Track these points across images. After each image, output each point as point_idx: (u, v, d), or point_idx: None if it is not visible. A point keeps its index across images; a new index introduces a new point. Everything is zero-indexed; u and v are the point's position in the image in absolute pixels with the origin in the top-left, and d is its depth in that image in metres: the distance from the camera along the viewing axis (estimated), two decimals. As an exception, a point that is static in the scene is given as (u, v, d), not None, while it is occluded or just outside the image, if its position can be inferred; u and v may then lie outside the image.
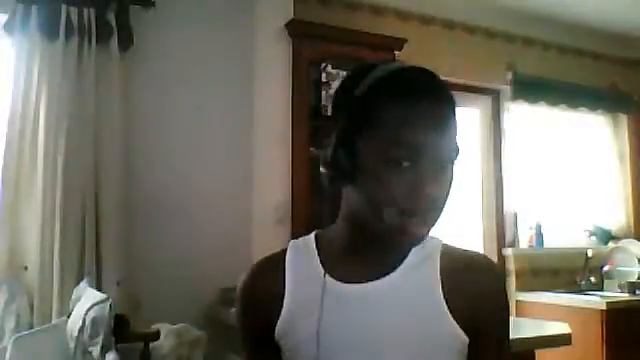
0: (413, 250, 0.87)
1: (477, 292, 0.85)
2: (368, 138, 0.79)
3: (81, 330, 1.79)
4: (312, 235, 0.93)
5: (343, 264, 0.87)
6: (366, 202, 0.81)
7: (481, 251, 3.64)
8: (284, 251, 0.92)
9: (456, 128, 0.82)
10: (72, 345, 1.82)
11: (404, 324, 0.83)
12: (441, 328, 0.83)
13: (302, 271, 0.89)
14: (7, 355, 1.89)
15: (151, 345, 2.00)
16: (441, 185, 0.79)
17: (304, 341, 0.84)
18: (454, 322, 0.83)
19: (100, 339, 1.77)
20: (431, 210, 0.79)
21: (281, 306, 0.87)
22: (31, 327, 2.17)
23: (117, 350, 1.82)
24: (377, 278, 0.85)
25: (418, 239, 0.81)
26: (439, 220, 0.81)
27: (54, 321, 2.13)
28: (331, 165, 0.81)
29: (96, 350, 1.77)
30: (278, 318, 0.86)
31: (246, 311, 0.92)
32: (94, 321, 1.78)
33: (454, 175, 0.82)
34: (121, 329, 1.91)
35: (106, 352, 1.78)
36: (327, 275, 0.86)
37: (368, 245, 0.86)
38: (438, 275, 0.85)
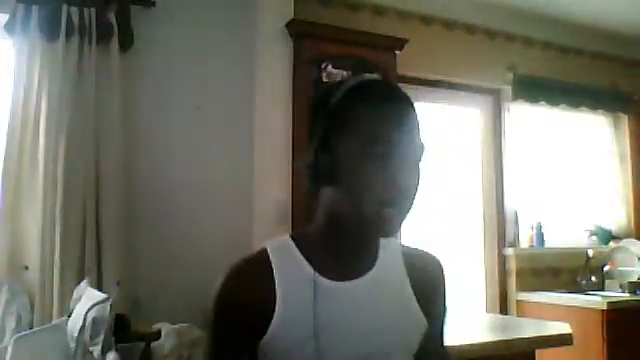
0: (381, 247, 0.97)
1: (432, 285, 1.01)
2: (345, 139, 0.88)
3: (82, 330, 1.79)
4: (287, 237, 0.97)
5: (327, 262, 0.92)
6: (346, 198, 0.88)
7: (482, 251, 3.68)
8: (263, 253, 0.93)
9: (419, 127, 0.91)
10: (72, 345, 1.82)
11: (389, 314, 0.93)
12: (414, 315, 0.96)
13: (290, 272, 0.91)
14: (8, 355, 1.90)
15: (152, 345, 2.00)
16: (411, 176, 0.88)
17: (299, 342, 0.87)
18: (419, 309, 0.97)
19: (101, 339, 1.77)
20: (404, 200, 0.87)
21: (272, 309, 0.88)
22: (31, 327, 2.17)
23: (117, 350, 1.82)
24: (360, 274, 0.94)
25: (394, 229, 0.88)
26: (410, 211, 0.89)
27: (54, 321, 2.13)
28: (313, 167, 0.90)
29: (97, 350, 1.77)
30: (268, 321, 0.88)
31: (231, 314, 0.91)
32: (95, 321, 1.78)
33: (421, 171, 0.90)
34: (122, 329, 1.91)
35: (107, 352, 1.78)
36: (317, 275, 0.90)
37: (348, 243, 0.94)
38: (405, 269, 0.98)
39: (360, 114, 0.87)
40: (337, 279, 0.91)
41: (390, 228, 0.87)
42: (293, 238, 0.96)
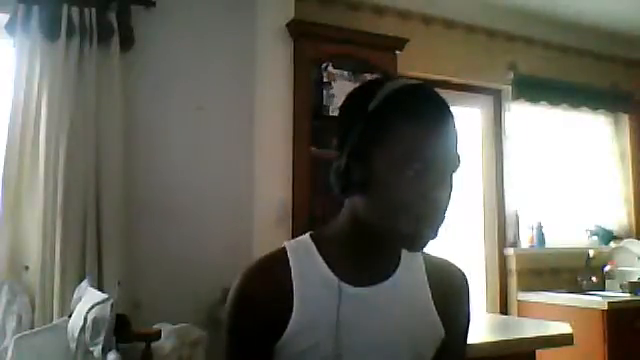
0: (403, 254, 0.96)
1: (454, 295, 0.99)
2: (383, 152, 0.83)
3: (82, 330, 1.79)
4: (307, 237, 0.94)
5: (347, 267, 0.91)
6: (379, 210, 0.85)
7: (482, 251, 3.68)
8: (282, 253, 0.91)
9: (458, 138, 0.88)
10: (73, 345, 1.82)
11: (408, 320, 0.92)
12: (431, 322, 0.95)
13: (310, 274, 0.89)
14: (8, 355, 1.90)
15: (152, 345, 2.00)
16: (445, 190, 0.85)
17: (315, 345, 0.86)
18: (437, 318, 0.95)
19: (101, 339, 1.77)
20: (437, 215, 0.84)
21: (289, 309, 0.87)
22: (32, 327, 2.17)
23: (118, 350, 1.82)
24: (381, 280, 0.92)
25: (426, 244, 0.86)
26: (443, 225, 0.86)
27: (55, 321, 2.13)
28: (344, 176, 0.85)
29: (97, 350, 1.77)
30: (285, 321, 0.86)
31: (247, 314, 0.88)
32: (95, 321, 1.78)
33: (454, 183, 0.88)
34: (122, 329, 1.91)
35: (107, 352, 1.78)
36: (337, 278, 0.89)
37: (371, 249, 0.91)
38: (425, 276, 0.97)
39: (401, 126, 0.83)
40: (356, 284, 0.89)
41: (423, 244, 0.86)
42: (313, 238, 0.94)
